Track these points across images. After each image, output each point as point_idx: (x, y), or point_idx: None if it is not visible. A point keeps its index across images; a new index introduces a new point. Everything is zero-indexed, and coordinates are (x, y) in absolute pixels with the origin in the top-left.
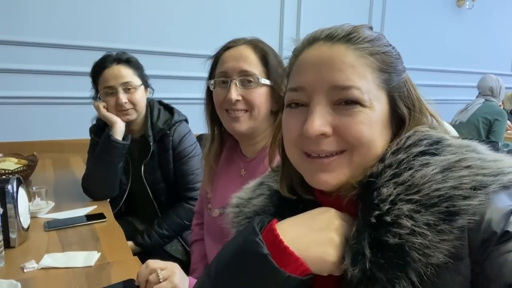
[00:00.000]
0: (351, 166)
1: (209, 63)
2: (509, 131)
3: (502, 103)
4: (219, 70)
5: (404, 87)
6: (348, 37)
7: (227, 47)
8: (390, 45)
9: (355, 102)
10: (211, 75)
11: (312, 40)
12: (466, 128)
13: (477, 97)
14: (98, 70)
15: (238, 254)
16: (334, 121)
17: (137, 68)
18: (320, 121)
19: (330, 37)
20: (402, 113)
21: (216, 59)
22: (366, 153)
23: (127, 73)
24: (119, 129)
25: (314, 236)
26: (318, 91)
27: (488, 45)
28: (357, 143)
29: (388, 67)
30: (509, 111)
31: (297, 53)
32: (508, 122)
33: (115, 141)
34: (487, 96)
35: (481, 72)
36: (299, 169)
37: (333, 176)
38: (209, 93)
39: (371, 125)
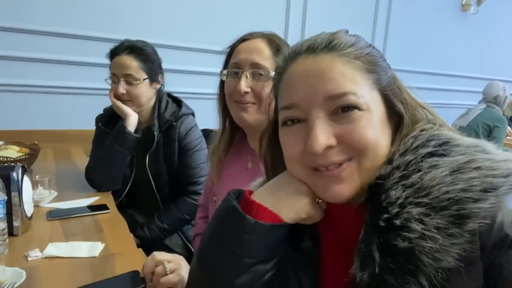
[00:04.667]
0: (361, 171)
1: (223, 56)
2: (508, 137)
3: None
4: (232, 61)
5: (394, 84)
6: (330, 46)
7: (242, 39)
8: (370, 45)
9: (353, 107)
10: (225, 66)
11: (294, 56)
12: (466, 133)
13: (479, 102)
14: (111, 55)
15: (217, 215)
16: (336, 131)
17: (147, 61)
18: (323, 134)
19: (312, 48)
20: (399, 109)
21: (231, 50)
22: (373, 156)
23: (132, 65)
24: (132, 122)
25: (282, 193)
26: (314, 105)
27: (492, 50)
28: (363, 147)
29: (374, 66)
30: (509, 118)
31: (281, 70)
32: (508, 128)
33: (128, 133)
34: (490, 103)
35: (484, 78)
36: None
37: (346, 186)
38: (222, 84)
39: (373, 127)
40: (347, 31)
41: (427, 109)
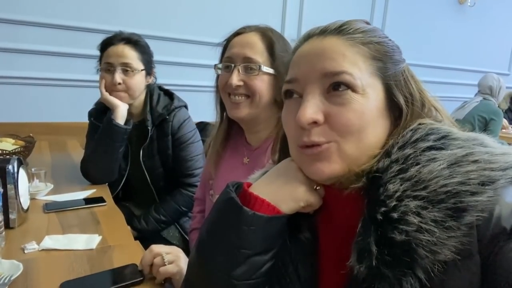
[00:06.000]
0: (342, 154)
1: (219, 49)
2: (504, 130)
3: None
4: (226, 55)
5: (401, 76)
6: (340, 29)
7: (237, 33)
8: (387, 37)
9: (346, 87)
10: (221, 60)
11: (307, 37)
12: (462, 125)
13: (475, 95)
14: (104, 46)
15: (216, 207)
16: (326, 109)
17: (143, 53)
18: (311, 108)
19: (323, 31)
20: (399, 101)
21: (226, 44)
22: (356, 142)
23: (130, 55)
24: (120, 113)
25: (280, 183)
26: (311, 81)
27: (488, 43)
28: (346, 131)
29: (382, 56)
30: (504, 111)
31: (294, 50)
32: (504, 120)
33: (117, 125)
34: (485, 95)
35: (479, 71)
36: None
37: (326, 165)
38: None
39: (364, 112)
40: (367, 22)
41: (440, 112)
